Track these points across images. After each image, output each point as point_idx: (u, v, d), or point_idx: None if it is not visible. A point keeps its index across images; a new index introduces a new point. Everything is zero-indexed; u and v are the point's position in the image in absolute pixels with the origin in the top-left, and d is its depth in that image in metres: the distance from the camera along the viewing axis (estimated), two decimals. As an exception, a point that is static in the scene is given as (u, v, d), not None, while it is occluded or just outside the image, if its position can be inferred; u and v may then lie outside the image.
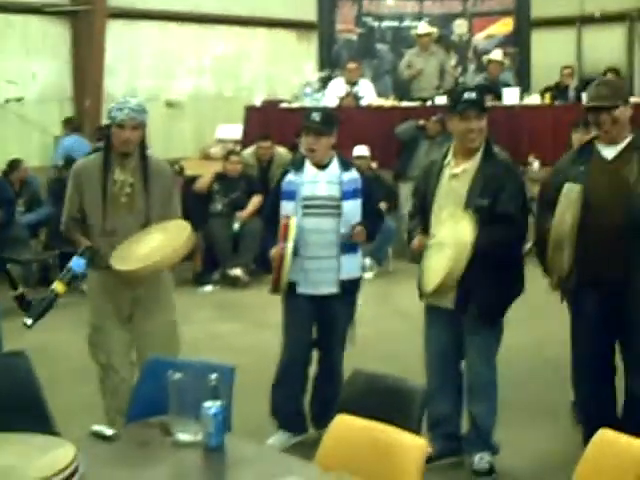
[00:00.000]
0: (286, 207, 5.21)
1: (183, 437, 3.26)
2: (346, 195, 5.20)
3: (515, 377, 6.03)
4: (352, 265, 5.31)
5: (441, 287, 4.57)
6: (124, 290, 4.87)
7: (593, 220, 4.45)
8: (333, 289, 5.22)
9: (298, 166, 5.31)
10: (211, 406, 3.16)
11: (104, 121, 14.27)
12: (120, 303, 4.94)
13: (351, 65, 12.52)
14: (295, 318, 5.34)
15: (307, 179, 5.23)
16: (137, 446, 3.34)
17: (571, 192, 4.46)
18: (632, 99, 11.34)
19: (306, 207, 5.19)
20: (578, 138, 5.81)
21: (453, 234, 4.55)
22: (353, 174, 5.28)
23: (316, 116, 5.21)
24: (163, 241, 4.68)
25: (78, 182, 4.92)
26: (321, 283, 5.22)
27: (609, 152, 4.62)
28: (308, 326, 5.36)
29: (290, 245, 4.99)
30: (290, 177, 5.27)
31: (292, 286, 5.20)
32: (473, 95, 4.75)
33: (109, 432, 3.35)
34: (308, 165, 5.27)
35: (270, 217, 5.39)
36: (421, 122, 10.99)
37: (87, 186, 4.87)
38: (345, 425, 3.17)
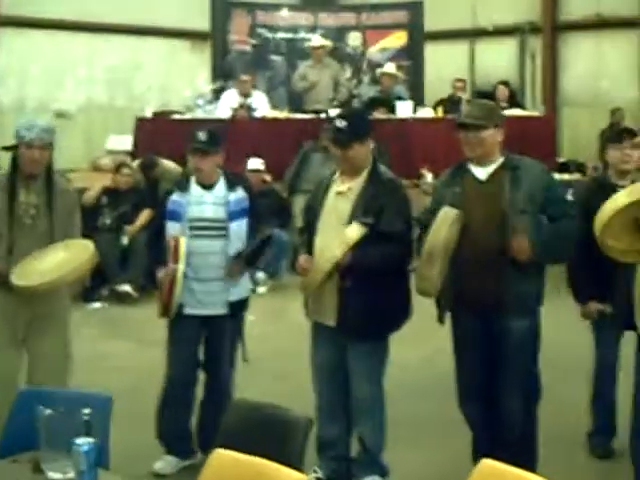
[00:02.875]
0: (171, 228, 5.11)
1: (53, 475, 3.11)
2: (232, 216, 5.13)
3: (404, 394, 6.01)
4: (240, 285, 5.24)
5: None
6: (22, 309, 4.82)
7: (468, 241, 4.49)
8: (221, 310, 5.14)
9: (183, 186, 5.21)
10: (83, 443, 3.01)
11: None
12: (16, 323, 4.87)
13: (244, 77, 12.44)
14: (180, 337, 5.22)
15: (193, 200, 5.14)
16: (4, 484, 3.19)
17: (448, 214, 4.51)
18: (520, 112, 11.72)
19: (193, 229, 5.10)
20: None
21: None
22: (239, 193, 5.21)
23: (202, 135, 5.10)
24: (64, 258, 4.69)
25: None
26: (209, 304, 5.14)
27: (481, 173, 4.66)
28: (194, 346, 5.26)
29: (181, 267, 4.90)
30: (175, 197, 5.17)
31: (178, 308, 5.09)
32: (342, 124, 4.68)
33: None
34: (194, 185, 5.17)
35: (155, 237, 5.28)
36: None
37: None
38: (223, 460, 3.05)
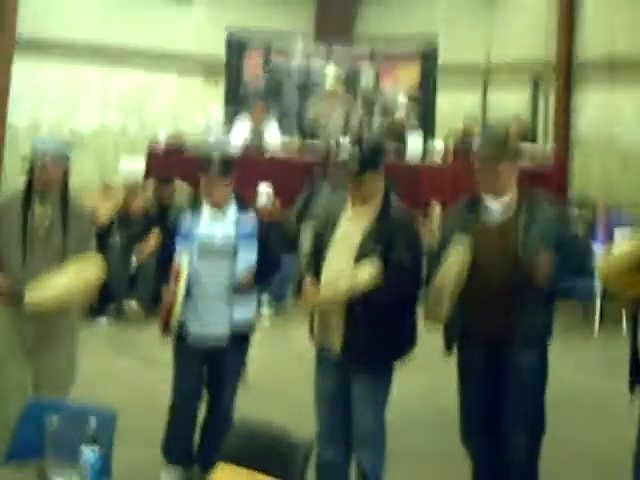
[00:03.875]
0: (182, 247, 5.18)
1: (59, 483, 3.15)
2: (242, 238, 5.21)
3: (405, 426, 6.02)
4: (246, 309, 5.30)
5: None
6: (32, 323, 4.89)
7: (480, 274, 4.50)
8: (224, 331, 5.19)
9: (195, 208, 5.30)
10: (88, 452, 3.05)
11: (6, 151, 14.12)
12: (25, 334, 4.95)
13: (257, 106, 12.50)
14: (185, 362, 5.31)
15: (204, 221, 5.23)
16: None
17: (460, 251, 4.51)
18: (529, 163, 11.72)
19: (202, 249, 5.18)
20: None
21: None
22: (250, 216, 5.31)
23: (215, 161, 5.21)
24: (75, 276, 4.76)
25: None
26: (213, 325, 5.19)
27: (495, 206, 4.69)
28: (198, 371, 5.33)
29: (182, 287, 4.97)
30: (187, 218, 5.26)
31: (182, 328, 5.16)
32: (356, 152, 4.73)
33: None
34: (205, 207, 5.26)
35: (165, 258, 5.35)
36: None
37: (6, 220, 4.90)
38: (227, 474, 3.08)
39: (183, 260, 5.05)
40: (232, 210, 5.28)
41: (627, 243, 4.09)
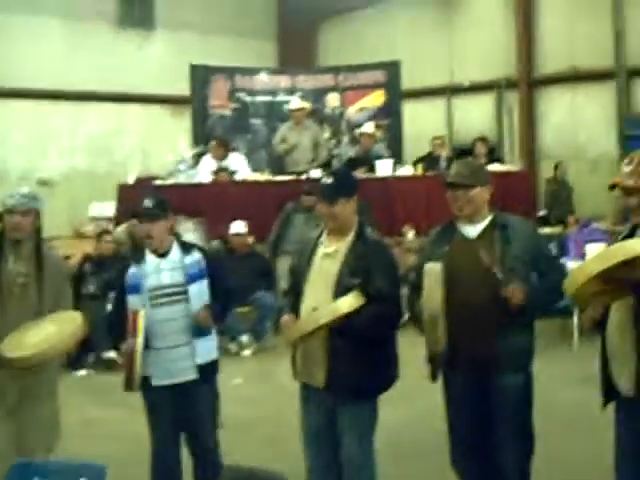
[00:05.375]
0: (132, 301, 5.12)
1: None
2: (191, 279, 5.17)
3: (392, 454, 5.99)
4: (207, 348, 5.26)
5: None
6: (11, 381, 4.85)
7: (458, 299, 4.50)
8: (191, 376, 5.16)
9: (139, 258, 5.23)
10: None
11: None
12: (6, 393, 4.91)
13: (215, 145, 12.44)
14: (156, 413, 5.25)
15: (149, 270, 5.16)
16: None
17: (433, 270, 4.52)
18: (498, 167, 11.84)
19: (153, 298, 5.12)
20: None
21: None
22: (195, 256, 5.26)
23: (148, 202, 5.16)
24: (53, 331, 4.73)
25: None
26: (177, 371, 5.15)
27: (471, 231, 4.72)
28: (169, 414, 5.25)
29: (140, 340, 4.89)
30: (132, 270, 5.19)
31: (147, 380, 5.11)
32: (327, 182, 4.75)
33: None
34: (149, 255, 5.21)
35: (116, 312, 5.30)
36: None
37: None
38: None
39: (139, 312, 4.97)
40: (176, 252, 5.22)
41: (595, 256, 4.10)
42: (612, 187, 4.17)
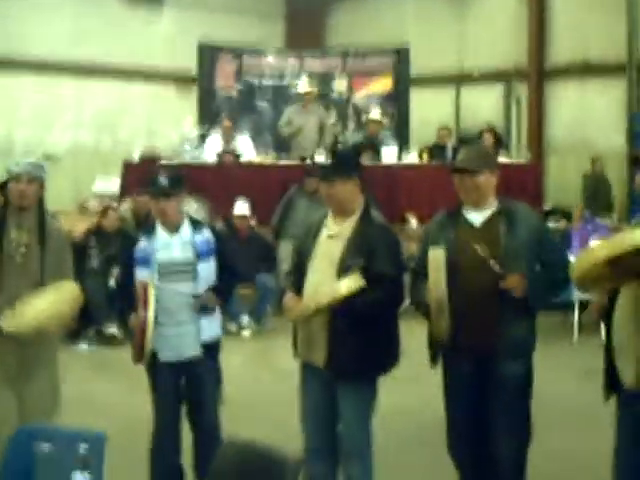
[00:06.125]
0: (141, 274, 5.13)
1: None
2: (200, 256, 5.20)
3: (393, 440, 6.01)
4: (212, 326, 5.29)
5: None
6: (12, 350, 4.87)
7: (462, 285, 4.50)
8: (195, 352, 5.19)
9: (150, 232, 5.25)
10: (80, 478, 3.03)
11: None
12: (7, 363, 4.92)
13: (226, 123, 12.50)
14: (159, 385, 5.27)
15: (160, 245, 5.18)
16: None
17: (436, 256, 4.53)
18: (505, 159, 11.84)
19: (162, 273, 5.14)
20: None
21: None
22: (205, 234, 5.28)
23: (163, 180, 5.17)
24: (52, 303, 4.75)
25: None
26: (182, 347, 5.18)
27: (477, 218, 4.72)
28: (174, 393, 5.29)
29: (151, 313, 4.92)
30: (142, 243, 5.21)
31: (153, 354, 5.13)
32: (328, 161, 4.77)
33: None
34: (160, 230, 5.23)
35: (124, 285, 5.32)
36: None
37: None
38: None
39: (148, 284, 4.99)
40: (187, 230, 5.25)
41: (604, 241, 4.11)
42: None
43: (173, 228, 5.21)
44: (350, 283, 4.46)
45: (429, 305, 4.54)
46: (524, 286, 4.48)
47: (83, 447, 3.15)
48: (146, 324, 4.90)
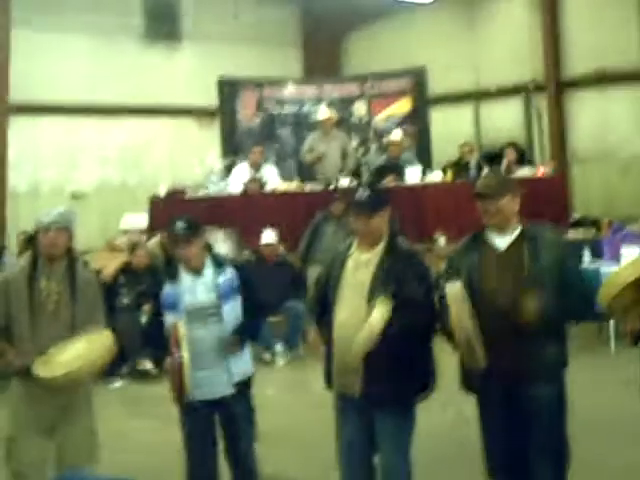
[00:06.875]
0: (169, 318, 5.17)
1: None
2: (224, 297, 5.22)
3: (426, 463, 5.97)
4: (242, 363, 5.33)
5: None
6: (48, 399, 4.90)
7: (488, 310, 4.50)
8: (228, 392, 5.23)
9: (173, 276, 5.28)
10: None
11: (9, 218, 14.17)
12: (42, 412, 4.96)
13: (255, 149, 12.58)
14: (193, 424, 5.30)
15: (185, 288, 5.22)
16: None
17: (454, 291, 4.51)
18: (530, 173, 11.80)
19: (189, 316, 5.17)
20: None
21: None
22: (227, 274, 5.30)
23: (181, 225, 5.19)
24: (85, 350, 4.79)
25: (6, 292, 4.94)
26: (215, 388, 5.22)
27: (501, 242, 4.72)
28: (208, 430, 5.32)
29: (185, 353, 4.94)
30: (168, 288, 5.25)
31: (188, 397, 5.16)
32: (363, 197, 4.78)
33: None
34: (183, 273, 5.26)
35: (153, 323, 5.44)
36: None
37: (14, 295, 4.92)
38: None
39: (179, 325, 5.03)
40: (209, 271, 5.27)
41: (629, 263, 4.08)
42: None
43: (196, 270, 5.24)
44: (382, 310, 4.46)
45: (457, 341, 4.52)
46: (536, 311, 4.45)
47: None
48: (182, 364, 4.92)
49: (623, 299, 3.84)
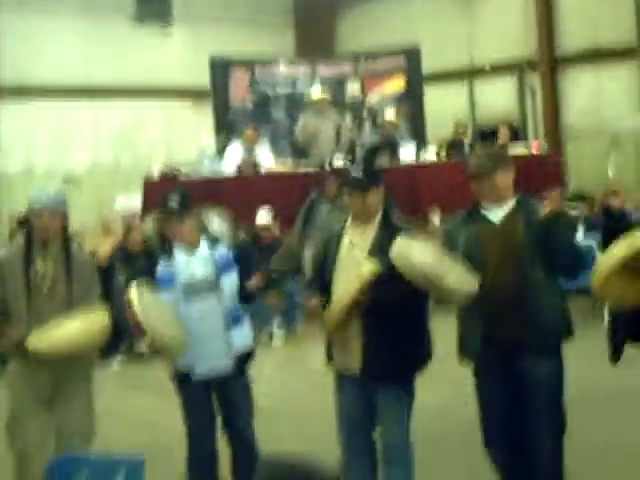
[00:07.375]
0: (165, 296, 5.13)
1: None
2: (221, 271, 5.20)
3: (431, 436, 6.00)
4: (242, 336, 5.31)
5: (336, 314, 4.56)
6: (43, 371, 4.90)
7: (486, 282, 4.51)
8: (227, 369, 5.21)
9: (168, 254, 5.25)
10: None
11: (1, 201, 14.19)
12: (40, 387, 4.96)
13: (249, 130, 12.52)
14: (192, 405, 5.29)
15: (180, 265, 5.19)
16: None
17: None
18: (524, 151, 11.81)
19: (186, 292, 5.15)
20: None
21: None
22: (222, 249, 5.28)
23: (173, 203, 5.15)
24: (80, 326, 4.78)
25: (1, 274, 4.92)
26: (215, 362, 5.20)
27: (496, 214, 4.75)
28: (207, 403, 5.31)
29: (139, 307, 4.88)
30: (162, 266, 5.21)
31: (184, 373, 5.19)
32: (357, 174, 4.79)
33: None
34: (177, 250, 5.23)
35: None
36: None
37: (9, 277, 4.90)
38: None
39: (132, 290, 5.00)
40: (204, 247, 5.25)
41: (620, 243, 4.07)
42: None
43: (191, 247, 5.22)
44: (371, 265, 4.46)
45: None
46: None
47: (122, 474, 3.15)
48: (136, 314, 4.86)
49: (615, 283, 3.84)
